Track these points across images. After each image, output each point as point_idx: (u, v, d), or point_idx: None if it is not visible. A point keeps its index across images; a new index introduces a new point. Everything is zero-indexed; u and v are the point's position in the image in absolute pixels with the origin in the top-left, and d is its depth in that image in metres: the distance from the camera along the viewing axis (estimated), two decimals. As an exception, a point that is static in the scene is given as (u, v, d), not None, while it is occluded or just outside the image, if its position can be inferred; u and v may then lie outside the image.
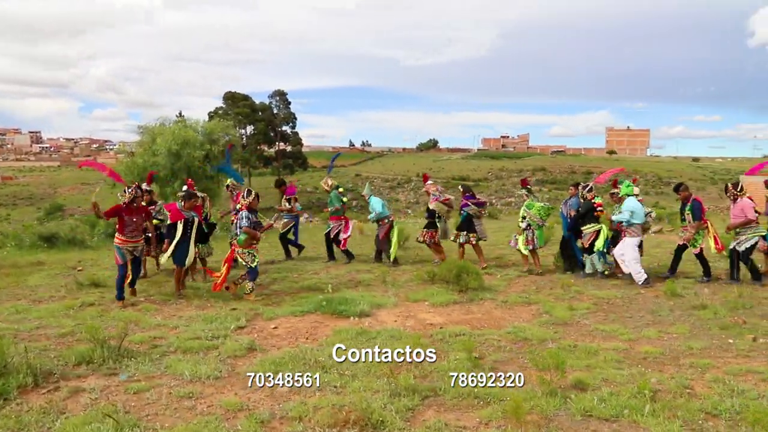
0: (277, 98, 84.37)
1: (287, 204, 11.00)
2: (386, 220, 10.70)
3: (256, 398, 4.29)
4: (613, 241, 9.16)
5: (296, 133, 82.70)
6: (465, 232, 10.16)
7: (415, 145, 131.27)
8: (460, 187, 10.94)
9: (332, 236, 10.91)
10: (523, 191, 9.99)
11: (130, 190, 7.60)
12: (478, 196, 10.57)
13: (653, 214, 9.84)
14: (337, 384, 4.53)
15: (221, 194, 19.59)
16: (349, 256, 10.96)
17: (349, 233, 10.79)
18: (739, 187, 8.66)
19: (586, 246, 9.24)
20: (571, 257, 9.72)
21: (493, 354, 5.49)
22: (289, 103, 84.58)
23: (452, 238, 10.35)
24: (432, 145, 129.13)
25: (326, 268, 10.43)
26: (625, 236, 8.73)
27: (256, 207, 8.15)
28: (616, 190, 9.30)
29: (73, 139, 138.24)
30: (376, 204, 10.76)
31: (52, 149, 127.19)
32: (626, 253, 8.65)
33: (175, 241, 7.79)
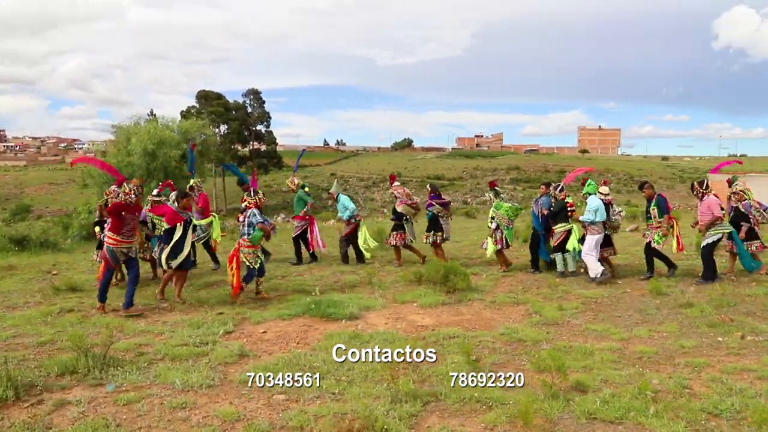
0: (251, 97, 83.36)
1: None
2: (353, 220, 10.67)
3: (253, 407, 4.14)
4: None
5: (270, 132, 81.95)
6: (433, 232, 10.24)
7: (389, 144, 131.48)
8: (428, 186, 10.98)
9: (298, 236, 10.77)
10: (491, 193, 10.08)
11: (133, 186, 7.26)
12: (443, 196, 10.67)
13: (623, 213, 9.99)
14: (335, 390, 4.41)
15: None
16: (314, 257, 10.88)
17: (315, 234, 10.65)
18: (705, 185, 8.76)
19: (555, 245, 9.32)
20: (537, 255, 9.80)
21: (489, 356, 5.43)
22: (263, 102, 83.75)
23: (425, 240, 10.40)
24: (407, 144, 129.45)
25: (310, 269, 10.28)
26: (586, 233, 8.84)
27: (262, 206, 8.04)
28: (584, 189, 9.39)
29: (39, 138, 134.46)
30: (347, 201, 10.67)
31: (17, 148, 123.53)
32: (584, 248, 8.79)
33: (171, 244, 7.47)
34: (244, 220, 7.88)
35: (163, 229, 7.70)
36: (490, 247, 9.83)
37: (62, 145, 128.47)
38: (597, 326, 6.58)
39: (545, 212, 9.51)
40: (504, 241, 9.76)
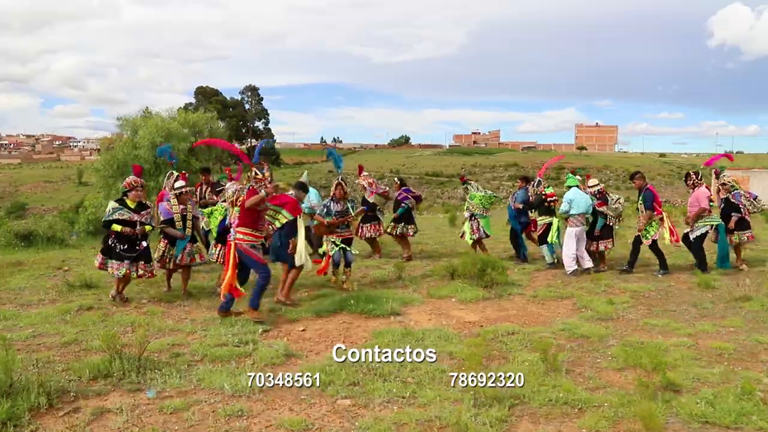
0: (249, 94, 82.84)
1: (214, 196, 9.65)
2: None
3: (318, 415, 3.66)
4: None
5: (269, 129, 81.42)
6: (403, 224, 10.20)
7: (386, 141, 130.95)
8: (396, 179, 11.14)
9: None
10: (463, 186, 10.15)
11: (266, 173, 6.44)
12: (413, 190, 10.74)
13: (622, 200, 9.87)
14: (405, 394, 3.94)
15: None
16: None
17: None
18: (699, 175, 8.72)
19: (538, 236, 9.38)
20: (518, 248, 9.75)
21: (557, 354, 4.97)
22: (261, 98, 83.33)
23: (392, 231, 10.25)
24: (404, 141, 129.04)
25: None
26: (567, 226, 8.70)
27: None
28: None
29: (33, 136, 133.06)
30: (314, 195, 10.25)
31: (11, 146, 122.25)
32: (564, 241, 8.66)
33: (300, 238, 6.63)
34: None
35: (284, 221, 6.67)
36: (468, 236, 9.76)
37: (57, 143, 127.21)
38: (656, 321, 6.16)
39: (519, 206, 9.52)
40: (481, 230, 9.68)
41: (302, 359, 4.81)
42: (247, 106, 79.23)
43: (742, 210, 8.88)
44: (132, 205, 6.70)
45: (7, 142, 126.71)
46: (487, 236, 9.85)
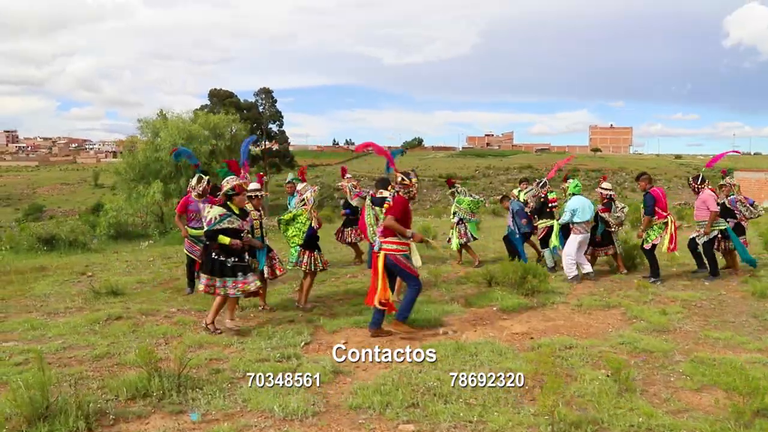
0: (263, 96, 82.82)
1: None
2: None
3: (381, 441, 3.33)
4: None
5: (283, 132, 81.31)
6: None
7: (399, 143, 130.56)
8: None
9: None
10: (450, 190, 10.05)
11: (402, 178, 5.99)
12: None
13: (626, 210, 9.70)
14: (472, 418, 3.60)
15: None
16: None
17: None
18: (701, 179, 8.51)
19: (540, 239, 9.35)
20: (514, 252, 9.43)
21: (629, 372, 4.60)
22: (275, 100, 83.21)
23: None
24: (417, 143, 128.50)
25: (362, 270, 9.48)
26: (571, 232, 8.49)
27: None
28: (566, 184, 9.17)
29: (50, 139, 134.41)
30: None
31: (29, 149, 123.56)
32: (566, 247, 8.49)
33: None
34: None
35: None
36: (455, 241, 9.66)
37: (73, 145, 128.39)
38: (716, 334, 5.76)
39: (529, 215, 9.38)
40: (468, 234, 9.60)
41: (351, 376, 4.48)
42: (261, 109, 79.17)
43: (737, 215, 8.76)
44: (237, 212, 5.83)
45: (24, 144, 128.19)
46: (475, 239, 9.75)
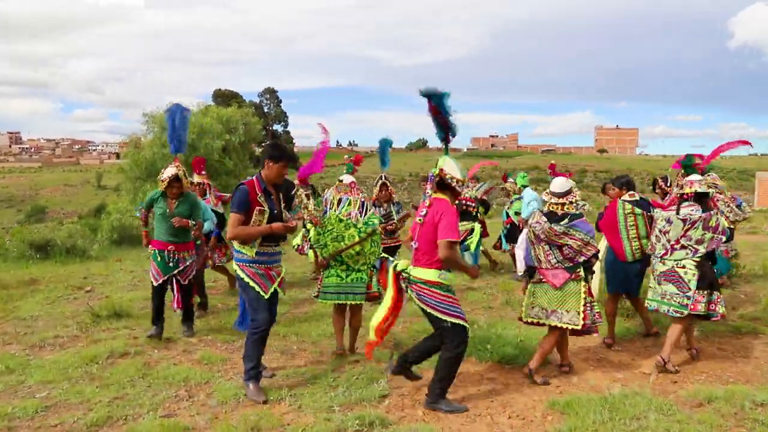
0: (268, 96, 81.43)
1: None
2: None
3: None
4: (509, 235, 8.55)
5: (288, 132, 79.91)
6: None
7: (404, 144, 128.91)
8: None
9: None
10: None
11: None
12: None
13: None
14: None
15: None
16: None
17: None
18: (669, 182, 7.29)
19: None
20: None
21: None
22: (280, 101, 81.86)
23: None
24: (422, 144, 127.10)
25: None
26: (522, 228, 7.89)
27: None
28: (506, 184, 8.88)
29: (53, 140, 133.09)
30: None
31: (32, 150, 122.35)
32: (519, 243, 7.90)
33: None
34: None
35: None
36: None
37: (76, 147, 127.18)
38: None
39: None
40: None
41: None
42: (266, 109, 77.75)
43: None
44: None
45: (28, 146, 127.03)
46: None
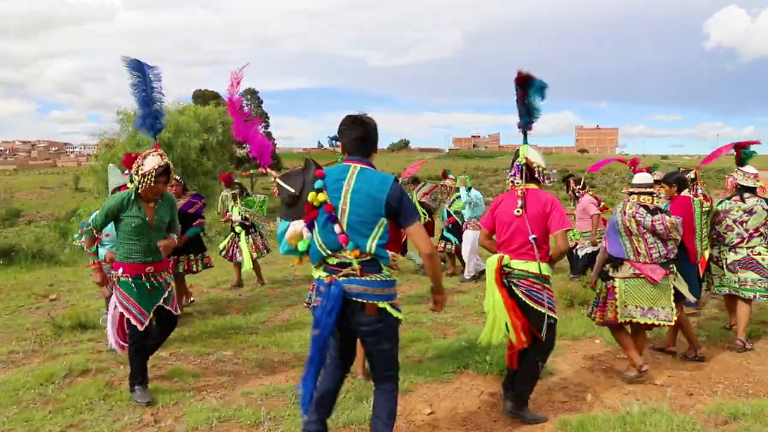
0: (248, 97, 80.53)
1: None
2: None
3: None
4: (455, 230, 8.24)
5: (269, 133, 79.13)
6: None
7: (386, 145, 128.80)
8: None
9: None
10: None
11: None
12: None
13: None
14: None
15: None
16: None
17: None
18: (582, 184, 7.72)
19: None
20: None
21: None
22: (261, 102, 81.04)
23: None
24: (403, 145, 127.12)
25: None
26: (466, 228, 7.90)
27: None
28: (446, 181, 8.52)
29: (29, 142, 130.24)
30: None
31: (7, 152, 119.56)
32: (464, 246, 7.91)
33: None
34: None
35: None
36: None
37: (53, 149, 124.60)
38: None
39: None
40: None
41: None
42: (246, 110, 76.81)
43: None
44: None
45: (2, 147, 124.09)
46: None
